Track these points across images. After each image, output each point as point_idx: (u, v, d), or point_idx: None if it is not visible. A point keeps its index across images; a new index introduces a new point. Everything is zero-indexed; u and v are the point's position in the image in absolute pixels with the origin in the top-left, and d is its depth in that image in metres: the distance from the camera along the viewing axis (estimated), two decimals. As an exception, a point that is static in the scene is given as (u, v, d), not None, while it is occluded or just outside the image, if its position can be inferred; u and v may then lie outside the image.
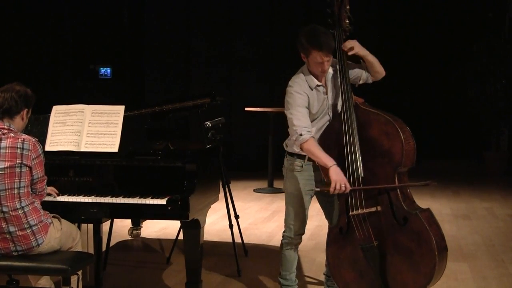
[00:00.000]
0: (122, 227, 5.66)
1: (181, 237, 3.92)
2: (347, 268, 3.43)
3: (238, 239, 4.87)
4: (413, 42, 9.99)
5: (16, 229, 3.11)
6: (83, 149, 3.62)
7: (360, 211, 3.32)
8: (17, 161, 3.10)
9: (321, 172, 3.47)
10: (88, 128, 3.66)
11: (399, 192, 3.29)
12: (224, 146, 4.58)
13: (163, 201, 3.36)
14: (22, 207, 3.11)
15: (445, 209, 6.89)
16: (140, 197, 3.43)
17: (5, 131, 3.17)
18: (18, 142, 3.13)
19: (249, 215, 6.65)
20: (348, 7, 3.52)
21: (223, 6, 9.88)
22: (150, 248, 5.36)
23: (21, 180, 3.12)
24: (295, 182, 3.62)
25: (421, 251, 3.19)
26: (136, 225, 5.51)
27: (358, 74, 3.59)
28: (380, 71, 3.58)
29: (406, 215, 3.24)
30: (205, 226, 3.73)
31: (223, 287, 4.33)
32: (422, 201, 3.80)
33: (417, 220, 3.21)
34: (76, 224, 3.65)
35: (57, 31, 9.70)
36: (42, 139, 3.54)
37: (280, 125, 7.98)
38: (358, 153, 3.33)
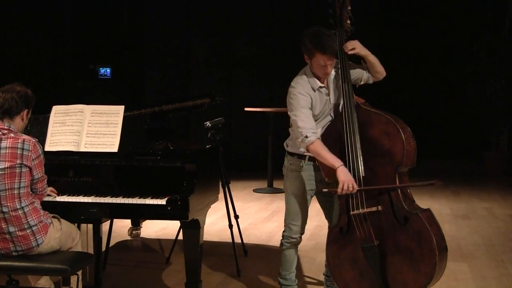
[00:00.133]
0: (121, 227, 5.66)
1: (180, 237, 3.92)
2: (347, 268, 3.44)
3: (237, 239, 4.86)
4: (413, 42, 9.99)
5: (16, 229, 3.11)
6: (82, 149, 3.62)
7: (360, 211, 3.32)
8: (17, 162, 3.10)
9: (321, 172, 3.48)
10: (88, 128, 3.66)
11: (399, 192, 3.30)
12: (224, 146, 4.58)
13: (162, 201, 3.36)
14: (22, 207, 3.11)
15: (445, 209, 6.90)
16: (139, 197, 3.43)
17: (5, 131, 3.17)
18: (18, 142, 3.13)
19: (249, 215, 6.65)
20: (349, 8, 3.54)
21: (223, 6, 9.88)
22: (149, 248, 5.36)
23: (21, 180, 3.12)
24: (295, 182, 3.62)
25: (421, 251, 3.19)
26: (136, 225, 5.51)
27: (359, 75, 3.60)
28: (381, 71, 3.59)
29: (406, 215, 3.25)
30: (204, 226, 3.73)
31: (223, 287, 4.33)
32: (422, 201, 3.81)
33: (417, 220, 3.22)
34: (76, 224, 3.65)
35: (57, 31, 9.70)
36: (41, 139, 3.54)
37: (279, 125, 8.04)
38: (359, 152, 3.34)
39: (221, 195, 4.22)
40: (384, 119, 3.35)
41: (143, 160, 3.58)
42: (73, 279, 3.27)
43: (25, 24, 9.39)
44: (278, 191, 7.82)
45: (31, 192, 3.19)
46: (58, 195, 3.51)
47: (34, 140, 3.19)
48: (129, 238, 5.55)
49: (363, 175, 3.32)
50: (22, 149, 3.12)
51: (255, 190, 8.19)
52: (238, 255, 4.69)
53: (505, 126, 9.48)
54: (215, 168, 4.12)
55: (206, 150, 4.11)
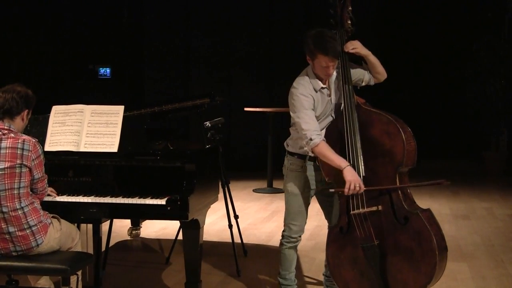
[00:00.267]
0: (121, 227, 5.66)
1: (180, 237, 3.92)
2: (347, 268, 3.44)
3: (237, 239, 4.86)
4: (413, 42, 10.00)
5: (16, 229, 3.11)
6: (82, 149, 3.62)
7: (361, 210, 3.32)
8: (17, 162, 3.10)
9: (321, 172, 3.49)
10: (88, 128, 3.66)
11: (400, 192, 3.30)
12: (224, 146, 4.58)
13: (162, 201, 3.36)
14: (22, 208, 3.11)
15: (445, 209, 6.90)
16: (139, 197, 3.43)
17: (5, 131, 3.17)
18: (18, 142, 3.13)
19: (249, 215, 6.65)
20: (350, 8, 3.56)
21: (223, 6, 9.88)
22: (149, 248, 5.36)
23: (21, 180, 3.12)
24: (296, 181, 3.62)
25: (421, 251, 3.19)
26: (136, 225, 5.51)
27: (360, 76, 3.60)
28: (382, 72, 3.60)
29: (407, 215, 3.25)
30: (204, 226, 3.73)
31: (223, 287, 4.33)
32: (422, 201, 3.81)
33: (418, 220, 3.22)
34: (76, 224, 3.65)
35: (57, 31, 9.70)
36: (41, 139, 3.54)
37: (279, 125, 8.06)
38: (359, 152, 3.34)
39: (220, 195, 4.23)
40: (385, 119, 3.35)
41: (143, 160, 3.58)
42: (73, 279, 3.27)
43: (25, 24, 9.39)
44: (278, 191, 7.82)
45: (31, 192, 3.19)
46: (58, 195, 3.51)
47: (34, 140, 3.19)
48: (129, 238, 5.55)
49: (364, 174, 3.33)
50: (22, 149, 3.12)
51: (254, 190, 8.19)
52: (238, 255, 4.69)
53: (505, 126, 9.49)
54: (215, 168, 4.12)
55: (206, 150, 4.11)
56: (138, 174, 3.57)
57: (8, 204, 3.08)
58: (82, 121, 3.68)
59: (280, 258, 3.73)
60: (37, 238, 3.14)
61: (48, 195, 3.42)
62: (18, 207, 3.10)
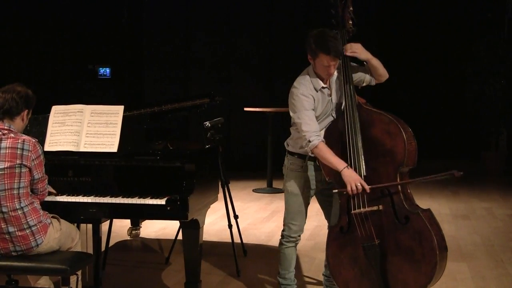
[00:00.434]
0: (121, 227, 5.66)
1: (180, 237, 3.92)
2: (348, 267, 3.44)
3: (237, 239, 4.87)
4: (413, 42, 9.99)
5: (16, 229, 3.11)
6: (82, 149, 3.62)
7: (362, 210, 3.32)
8: (17, 162, 3.10)
9: (322, 172, 3.49)
10: (87, 128, 3.66)
11: (400, 192, 3.31)
12: (223, 146, 4.58)
13: (162, 201, 3.36)
14: (22, 208, 3.11)
15: (444, 209, 6.90)
16: (139, 197, 3.43)
17: (5, 131, 3.17)
18: (18, 142, 3.13)
19: (248, 215, 6.65)
20: (351, 8, 3.56)
21: (223, 6, 9.89)
22: (149, 248, 5.36)
23: (21, 180, 3.12)
24: (296, 181, 3.63)
25: (422, 250, 3.19)
26: (135, 225, 5.51)
27: (361, 77, 3.61)
28: (384, 74, 3.60)
29: (407, 214, 3.25)
30: (204, 226, 3.73)
31: (222, 287, 4.33)
32: (422, 201, 3.81)
33: (418, 220, 3.22)
34: (75, 224, 3.65)
35: (57, 31, 9.70)
36: (41, 139, 3.53)
37: (279, 125, 8.06)
38: (360, 152, 3.35)
39: (220, 195, 4.23)
40: (386, 119, 3.36)
41: (142, 160, 3.58)
42: (73, 279, 3.27)
43: (25, 24, 9.39)
44: (278, 191, 7.82)
45: (31, 193, 3.19)
46: (58, 195, 3.51)
47: (34, 141, 3.19)
48: (129, 238, 5.55)
49: (365, 174, 3.33)
50: (22, 149, 3.12)
51: (254, 190, 8.19)
52: (238, 255, 4.70)
53: (505, 126, 9.49)
54: (215, 168, 4.12)
55: (205, 150, 4.11)
56: (138, 174, 3.57)
57: (8, 204, 3.08)
58: (81, 121, 3.68)
59: (280, 258, 3.73)
60: (36, 238, 3.14)
61: (48, 194, 3.42)
62: (18, 207, 3.10)
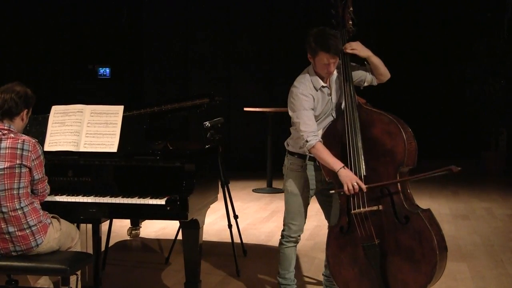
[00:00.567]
0: (121, 227, 5.66)
1: (180, 237, 3.92)
2: (348, 267, 3.44)
3: (237, 239, 4.87)
4: (412, 42, 9.99)
5: (16, 229, 3.10)
6: (82, 149, 3.62)
7: (362, 210, 3.32)
8: (17, 162, 3.10)
9: (322, 172, 3.49)
10: (87, 128, 3.66)
11: (400, 192, 3.30)
12: (223, 146, 4.57)
13: (162, 201, 3.36)
14: (22, 208, 3.11)
15: (444, 209, 6.90)
16: (139, 197, 3.43)
17: (5, 131, 3.17)
18: (18, 142, 3.13)
19: (248, 215, 6.65)
20: (351, 9, 3.56)
21: (223, 6, 9.89)
22: (149, 248, 5.36)
23: (21, 180, 3.12)
24: (295, 181, 3.63)
25: (422, 250, 3.19)
26: (135, 225, 5.50)
27: (362, 77, 3.60)
28: (385, 73, 3.59)
29: (407, 214, 3.25)
30: (204, 226, 3.73)
31: (222, 287, 4.33)
32: (422, 201, 3.81)
33: (418, 220, 3.22)
34: (75, 224, 3.65)
35: (56, 31, 9.70)
36: (41, 139, 3.53)
37: (279, 125, 8.06)
38: (360, 152, 3.35)
39: (220, 195, 4.23)
40: (386, 119, 3.36)
41: (142, 160, 3.58)
42: (73, 279, 3.27)
43: (25, 24, 9.39)
44: (278, 191, 7.82)
45: (31, 193, 3.19)
46: (58, 195, 3.51)
47: (34, 141, 3.18)
48: (129, 238, 5.55)
49: (365, 174, 3.33)
50: (22, 149, 3.12)
51: (254, 190, 8.19)
52: (238, 255, 4.70)
53: (504, 126, 9.49)
54: (214, 168, 4.12)
55: (205, 150, 4.10)
56: (138, 174, 3.57)
57: (8, 204, 3.08)
58: (81, 121, 3.68)
59: (280, 258, 3.73)
60: (36, 238, 3.14)
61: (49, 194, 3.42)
62: (17, 207, 3.10)
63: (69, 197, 3.50)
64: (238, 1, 9.80)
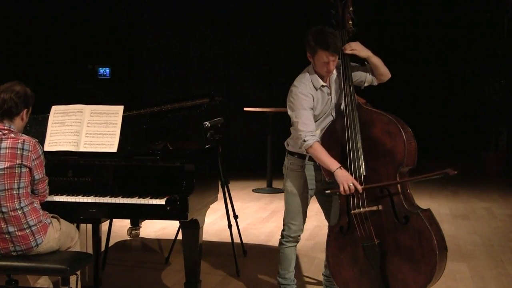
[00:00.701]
0: (121, 227, 5.66)
1: (180, 237, 3.92)
2: (347, 267, 3.44)
3: (237, 239, 4.86)
4: (412, 42, 9.99)
5: (15, 229, 3.10)
6: (82, 149, 3.62)
7: (361, 210, 3.32)
8: (17, 162, 3.10)
9: (322, 172, 3.49)
10: (87, 128, 3.66)
11: (400, 192, 3.31)
12: (223, 146, 4.57)
13: (162, 201, 3.36)
14: (22, 208, 3.11)
15: (444, 209, 6.90)
16: (139, 197, 3.43)
17: (5, 131, 3.17)
18: (18, 142, 3.13)
19: (248, 215, 6.65)
20: (351, 9, 3.56)
21: (222, 6, 9.88)
22: (149, 248, 5.36)
23: (21, 180, 3.12)
24: (295, 181, 3.63)
25: (422, 250, 3.20)
26: (135, 225, 5.50)
27: (362, 77, 3.60)
28: (385, 73, 3.59)
29: (407, 214, 3.26)
30: (204, 226, 3.73)
31: (222, 287, 4.33)
32: (421, 201, 3.81)
33: (418, 220, 3.23)
34: (75, 224, 3.65)
35: (56, 31, 9.70)
36: (40, 139, 3.53)
37: (279, 125, 8.06)
38: (360, 152, 3.35)
39: (220, 195, 4.23)
40: (386, 119, 3.36)
41: (142, 160, 3.58)
42: (72, 279, 3.27)
43: (25, 24, 9.39)
44: (277, 191, 7.82)
45: (31, 193, 3.19)
46: (58, 195, 3.51)
47: (34, 141, 3.18)
48: (128, 238, 5.55)
49: (365, 174, 3.33)
50: (22, 149, 3.12)
51: (254, 190, 8.19)
52: (237, 255, 4.70)
53: (504, 126, 9.49)
54: (214, 168, 4.12)
55: (205, 150, 4.11)
56: (138, 174, 3.57)
57: (8, 204, 3.08)
58: (81, 121, 3.68)
59: (280, 258, 3.73)
60: (36, 238, 3.14)
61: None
62: (17, 207, 3.10)
63: (69, 197, 3.50)
64: (238, 1, 9.80)
